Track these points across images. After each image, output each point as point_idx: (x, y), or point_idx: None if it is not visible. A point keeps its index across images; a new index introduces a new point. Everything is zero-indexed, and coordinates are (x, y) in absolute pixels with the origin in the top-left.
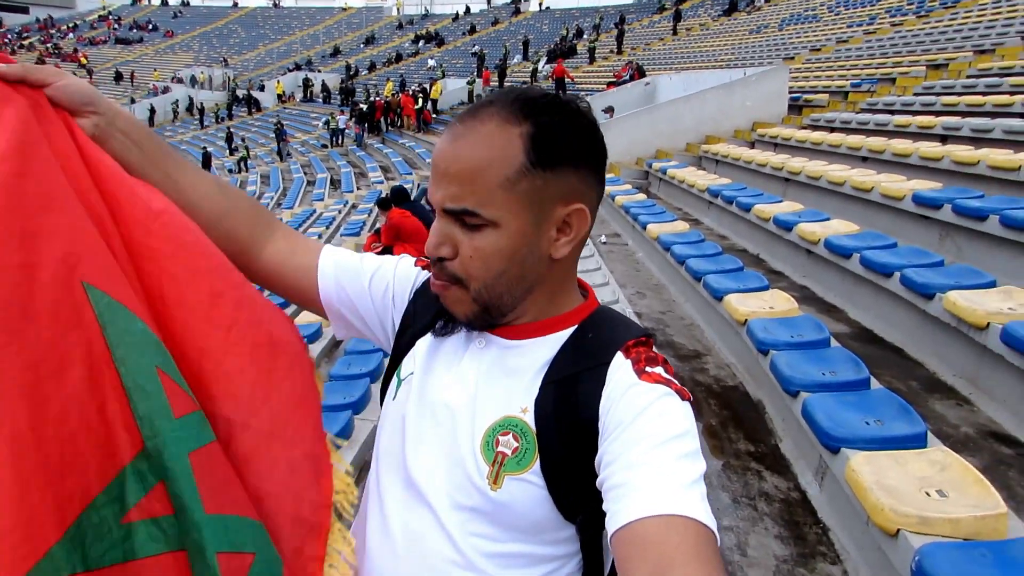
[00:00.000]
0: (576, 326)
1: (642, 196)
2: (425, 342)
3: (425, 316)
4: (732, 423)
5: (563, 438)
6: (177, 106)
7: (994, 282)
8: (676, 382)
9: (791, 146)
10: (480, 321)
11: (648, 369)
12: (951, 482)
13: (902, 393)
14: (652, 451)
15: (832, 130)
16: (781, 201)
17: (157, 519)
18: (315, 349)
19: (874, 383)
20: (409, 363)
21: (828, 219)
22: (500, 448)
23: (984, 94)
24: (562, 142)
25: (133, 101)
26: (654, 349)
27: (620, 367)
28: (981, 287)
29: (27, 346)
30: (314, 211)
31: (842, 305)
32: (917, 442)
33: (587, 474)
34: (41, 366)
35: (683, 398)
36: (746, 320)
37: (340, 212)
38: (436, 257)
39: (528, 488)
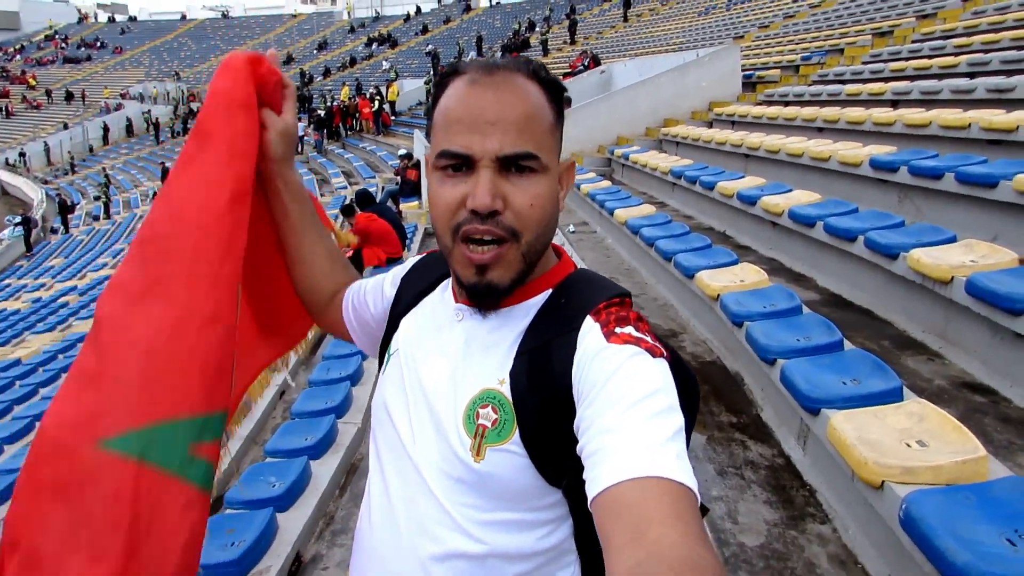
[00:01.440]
0: (551, 291)
1: (606, 183)
2: (410, 319)
3: (409, 296)
4: (713, 397)
5: (540, 407)
6: (131, 123)
7: (954, 237)
8: (648, 339)
9: (748, 123)
10: (517, 286)
11: (618, 330)
12: (930, 432)
13: (875, 353)
14: (624, 414)
15: (787, 104)
16: (743, 177)
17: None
18: (291, 356)
19: (847, 345)
20: (395, 340)
21: (790, 190)
22: (480, 420)
23: (930, 57)
24: (563, 104)
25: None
26: (630, 308)
27: (590, 331)
28: (943, 243)
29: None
30: None
31: (810, 273)
32: (893, 396)
33: (567, 440)
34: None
35: (654, 355)
36: (718, 295)
37: None
38: (492, 211)
39: (510, 458)
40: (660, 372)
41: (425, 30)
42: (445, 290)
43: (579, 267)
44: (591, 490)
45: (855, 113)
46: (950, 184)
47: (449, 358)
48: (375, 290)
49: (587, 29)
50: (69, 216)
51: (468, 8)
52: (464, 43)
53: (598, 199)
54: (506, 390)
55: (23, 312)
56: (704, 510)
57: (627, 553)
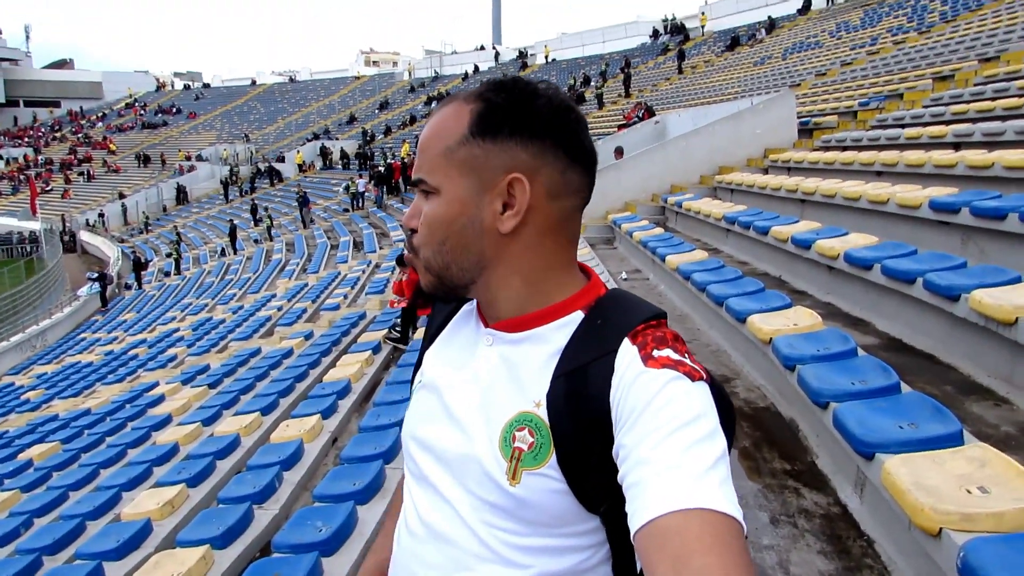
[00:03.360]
0: (584, 313)
1: (659, 230)
2: (433, 350)
3: (432, 330)
4: (766, 443)
5: (577, 431)
6: (182, 192)
7: (1019, 277)
8: (687, 361)
9: (804, 168)
10: (440, 291)
11: (656, 353)
12: (992, 478)
13: (938, 398)
14: (662, 444)
15: (844, 149)
16: (798, 221)
17: None
18: (345, 404)
19: (904, 388)
20: (420, 374)
21: (846, 234)
22: (517, 444)
23: (993, 99)
24: (507, 115)
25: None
26: (666, 328)
27: (627, 354)
28: (1006, 284)
29: None
30: (339, 273)
31: (868, 317)
32: (953, 441)
33: (606, 466)
34: None
35: (694, 379)
36: (771, 339)
37: (364, 272)
38: (409, 229)
39: (546, 482)
40: (700, 396)
41: None
42: (470, 316)
43: (610, 287)
44: (633, 524)
45: (915, 156)
46: (1014, 224)
47: (481, 383)
48: None
49: (642, 82)
50: (142, 272)
51: (525, 65)
52: None
53: (650, 246)
54: (543, 413)
55: (95, 364)
56: None
57: None
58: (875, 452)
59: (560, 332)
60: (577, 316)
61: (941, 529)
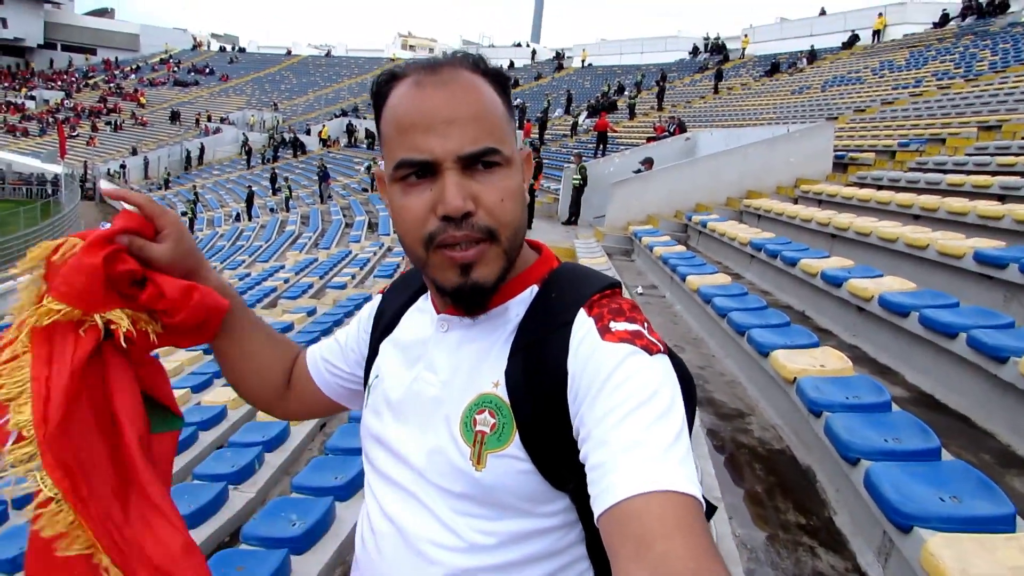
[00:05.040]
0: (539, 287)
1: (681, 248)
2: (390, 342)
3: (387, 319)
4: (779, 491)
5: (537, 408)
6: (244, 145)
7: None
8: (645, 333)
9: (837, 203)
10: (502, 283)
11: (613, 326)
12: None
13: (973, 467)
14: (621, 424)
15: (880, 188)
16: (828, 256)
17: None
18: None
19: (944, 454)
20: (376, 367)
21: (881, 275)
22: (478, 427)
23: None
24: (508, 93)
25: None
26: (622, 297)
27: (583, 325)
28: None
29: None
30: (349, 252)
31: (897, 367)
32: (1005, 525)
33: (568, 440)
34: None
35: (652, 352)
36: (795, 378)
37: (375, 254)
38: (464, 213)
39: (512, 463)
40: (658, 370)
41: (516, 84)
42: (424, 304)
43: (563, 261)
44: (596, 508)
45: (958, 204)
46: None
47: (439, 371)
48: (349, 339)
49: (676, 97)
50: None
51: (560, 67)
52: (552, 99)
53: (670, 263)
54: (502, 392)
55: None
56: (712, 509)
57: (632, 568)
58: (913, 524)
59: (516, 308)
60: (532, 290)
61: None
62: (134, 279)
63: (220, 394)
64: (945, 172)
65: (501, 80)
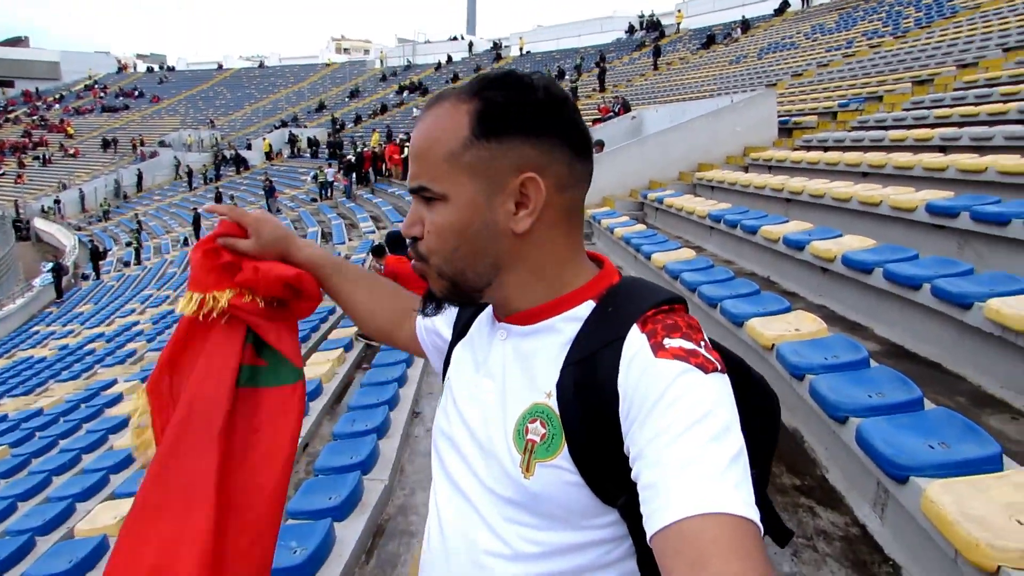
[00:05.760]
0: (596, 302)
1: (640, 227)
2: (459, 348)
3: (459, 325)
4: None
5: (587, 421)
6: (179, 167)
7: None
8: (701, 351)
9: (786, 167)
10: (455, 297)
11: (667, 343)
12: None
13: (952, 410)
14: (674, 444)
15: (826, 149)
16: (787, 221)
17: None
18: (316, 407)
19: (927, 403)
20: (449, 371)
21: (840, 235)
22: (529, 436)
23: (976, 104)
24: (509, 112)
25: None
26: (682, 314)
27: (635, 341)
28: (1020, 292)
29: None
30: None
31: (866, 322)
32: (993, 464)
33: (618, 456)
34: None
35: (707, 371)
36: (773, 345)
37: None
38: (409, 237)
39: (560, 474)
40: (713, 390)
41: (456, 78)
42: (487, 313)
43: (627, 275)
44: (648, 528)
45: (904, 158)
46: (1018, 231)
47: (496, 379)
48: (444, 319)
49: (617, 77)
50: (101, 262)
51: (499, 57)
52: None
53: (633, 243)
54: (553, 403)
55: (49, 359)
56: (788, 535)
57: None
58: (909, 475)
59: (571, 322)
60: (589, 305)
61: (1000, 567)
62: (235, 267)
63: None
64: (886, 129)
65: (491, 106)
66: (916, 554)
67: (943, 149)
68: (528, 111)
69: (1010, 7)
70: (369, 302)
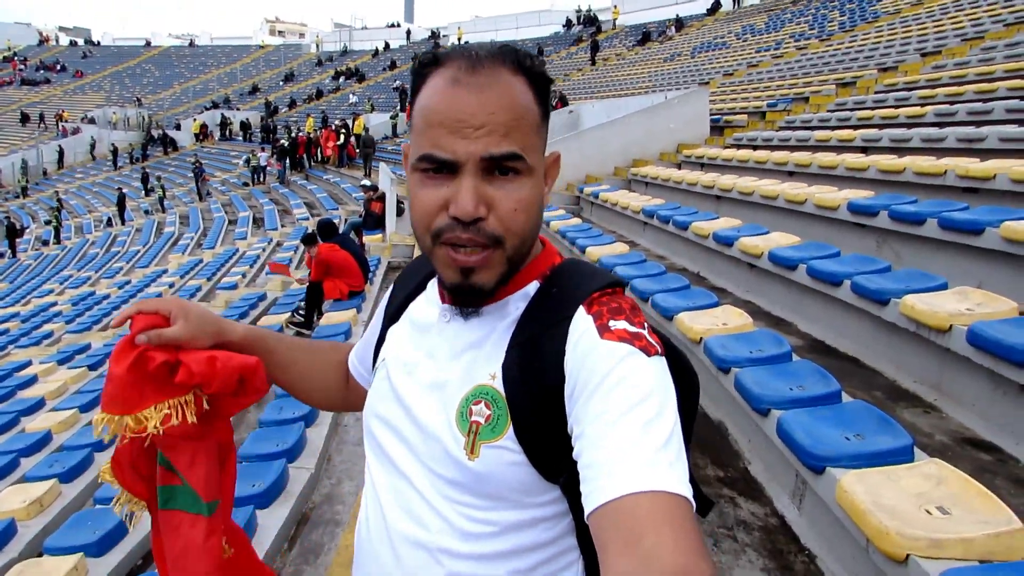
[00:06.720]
0: (540, 282)
1: (576, 220)
2: (397, 327)
3: (395, 305)
4: (696, 447)
5: (533, 402)
6: (94, 147)
7: (946, 284)
8: (644, 334)
9: (718, 165)
10: (501, 285)
11: (612, 324)
12: (951, 497)
13: (871, 404)
14: (615, 424)
15: (756, 148)
16: (717, 218)
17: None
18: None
19: (844, 396)
20: (383, 351)
21: (768, 232)
22: (473, 417)
23: (895, 107)
24: (547, 95)
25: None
26: (623, 296)
27: (581, 323)
28: (935, 290)
29: None
30: (236, 250)
31: (790, 318)
32: (904, 455)
33: (562, 435)
34: None
35: (649, 354)
36: (701, 338)
37: (264, 250)
38: (476, 218)
39: (504, 454)
40: (653, 373)
41: (393, 66)
42: (431, 293)
43: (567, 257)
44: (587, 505)
45: (827, 158)
46: (932, 230)
47: (438, 360)
48: (371, 332)
49: (554, 71)
50: (17, 240)
51: (437, 46)
52: None
53: (568, 236)
54: (498, 384)
55: None
56: (709, 504)
57: (621, 561)
58: (825, 466)
59: (517, 303)
60: (533, 286)
61: (908, 555)
62: (171, 366)
63: None
64: (812, 129)
65: (542, 83)
66: (831, 544)
67: (864, 150)
68: (550, 96)
69: (928, 13)
70: (313, 364)
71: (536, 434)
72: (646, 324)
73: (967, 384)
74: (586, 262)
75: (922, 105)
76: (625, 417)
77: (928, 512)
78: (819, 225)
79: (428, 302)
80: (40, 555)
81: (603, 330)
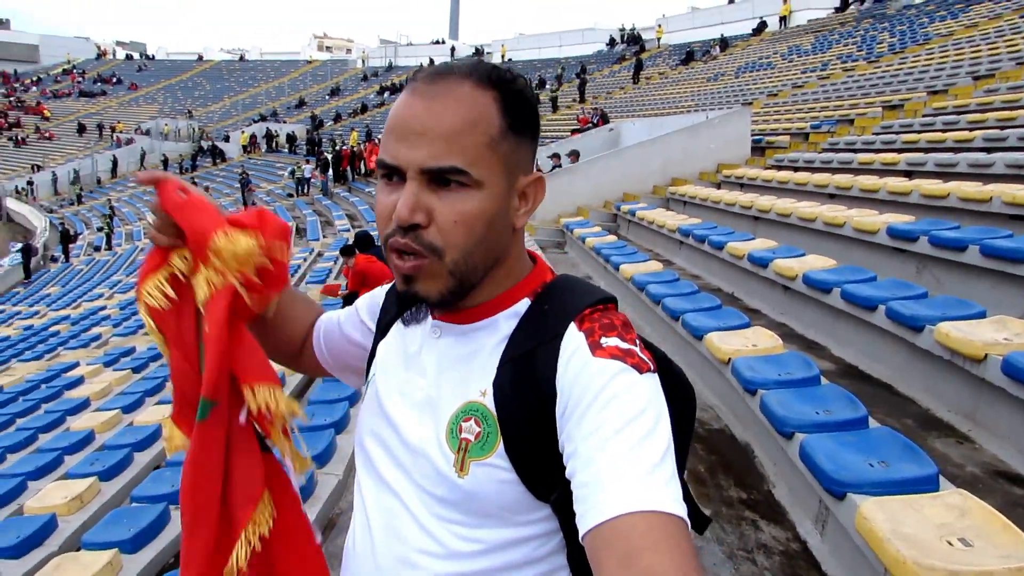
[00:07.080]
0: (531, 299)
1: (612, 238)
2: (386, 343)
3: (386, 320)
4: (720, 468)
5: (524, 419)
6: (143, 157)
7: (984, 312)
8: (636, 350)
9: (757, 185)
10: (452, 299)
11: (604, 342)
12: (974, 529)
13: (898, 432)
14: (608, 443)
15: (796, 169)
16: (753, 239)
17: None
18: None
19: (872, 422)
20: (373, 366)
21: (803, 254)
22: (463, 435)
23: (943, 131)
24: (526, 110)
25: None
26: (615, 312)
27: (573, 339)
28: (972, 318)
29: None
30: None
31: (824, 341)
32: (929, 484)
33: (553, 453)
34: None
35: (641, 371)
36: (729, 359)
37: (305, 260)
38: (411, 224)
39: (494, 472)
40: (646, 390)
41: None
42: (421, 307)
43: (560, 274)
44: (581, 526)
45: (869, 181)
46: (974, 257)
47: (428, 376)
48: (351, 320)
49: (597, 89)
50: (71, 246)
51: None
52: None
53: (603, 253)
54: (488, 401)
55: (13, 339)
56: (706, 521)
57: None
58: (846, 491)
59: (510, 319)
60: (525, 302)
61: None
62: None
63: (152, 413)
64: (855, 151)
65: (512, 98)
66: (852, 572)
67: (908, 174)
68: (535, 113)
69: (983, 36)
70: (287, 311)
71: (526, 452)
72: (638, 340)
73: (1002, 415)
74: (578, 278)
75: (971, 129)
76: (619, 435)
77: (949, 543)
78: (858, 249)
79: (415, 319)
80: (78, 549)
81: (595, 347)
